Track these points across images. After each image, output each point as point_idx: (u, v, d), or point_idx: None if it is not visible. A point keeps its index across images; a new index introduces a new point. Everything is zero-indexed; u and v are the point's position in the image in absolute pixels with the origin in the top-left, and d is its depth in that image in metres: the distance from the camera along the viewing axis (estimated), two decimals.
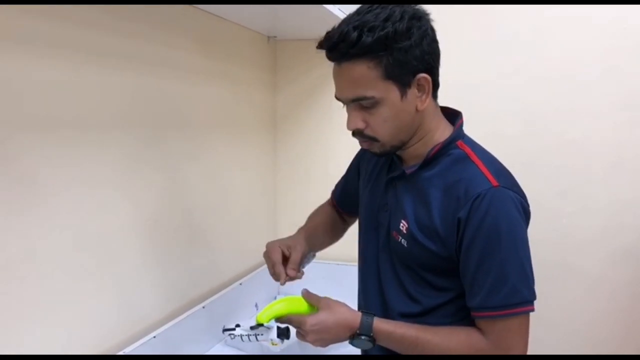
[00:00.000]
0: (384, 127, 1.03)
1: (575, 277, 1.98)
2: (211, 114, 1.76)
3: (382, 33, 0.95)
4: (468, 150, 1.06)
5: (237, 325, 1.14)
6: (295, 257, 1.21)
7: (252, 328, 1.10)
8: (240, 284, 1.87)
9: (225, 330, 1.14)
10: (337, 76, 1.03)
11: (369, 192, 1.23)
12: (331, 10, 1.62)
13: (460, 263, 1.03)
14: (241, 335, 1.12)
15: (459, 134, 1.09)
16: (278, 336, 1.08)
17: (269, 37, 2.13)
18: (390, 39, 0.96)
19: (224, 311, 1.73)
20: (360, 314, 1.07)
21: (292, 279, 1.19)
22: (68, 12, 1.14)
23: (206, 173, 1.74)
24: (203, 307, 1.62)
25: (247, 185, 2.06)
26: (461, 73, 1.98)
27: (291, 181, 2.30)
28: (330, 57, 1.02)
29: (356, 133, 1.06)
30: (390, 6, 0.99)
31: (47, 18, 1.08)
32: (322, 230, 1.40)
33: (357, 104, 1.02)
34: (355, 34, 0.96)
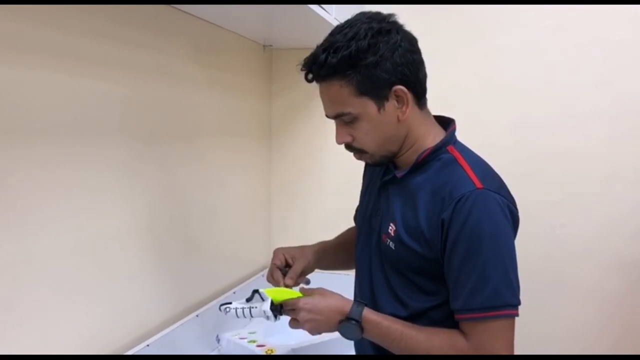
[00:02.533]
0: (367, 139, 1.08)
1: (569, 287, 1.98)
2: (207, 121, 1.76)
3: (345, 52, 1.00)
4: (457, 154, 1.08)
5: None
6: (296, 267, 1.23)
7: (247, 300, 1.11)
8: (234, 292, 1.86)
9: (221, 305, 1.15)
10: (320, 95, 1.09)
11: (366, 198, 1.26)
12: (326, 18, 1.63)
13: (444, 265, 1.04)
14: (236, 309, 1.12)
15: (450, 140, 1.11)
16: (271, 309, 1.09)
17: (264, 45, 2.14)
18: (354, 57, 1.00)
19: (217, 320, 1.72)
20: (352, 300, 1.09)
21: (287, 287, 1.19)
22: (68, 21, 1.14)
23: (201, 181, 1.74)
24: (197, 316, 1.61)
25: (241, 193, 2.05)
26: (455, 83, 1.99)
27: (286, 189, 2.30)
28: (307, 79, 1.08)
29: (345, 147, 1.12)
30: (359, 24, 1.02)
31: (46, 25, 1.08)
32: (342, 247, 1.39)
33: (340, 120, 1.08)
34: (323, 56, 1.02)
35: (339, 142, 1.11)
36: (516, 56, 1.96)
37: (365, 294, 1.20)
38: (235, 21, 1.75)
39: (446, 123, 1.15)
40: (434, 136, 1.11)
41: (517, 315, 1.00)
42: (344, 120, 1.07)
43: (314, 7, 1.53)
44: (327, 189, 2.22)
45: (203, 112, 1.73)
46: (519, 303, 1.01)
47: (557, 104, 1.94)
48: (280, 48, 2.20)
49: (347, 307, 1.07)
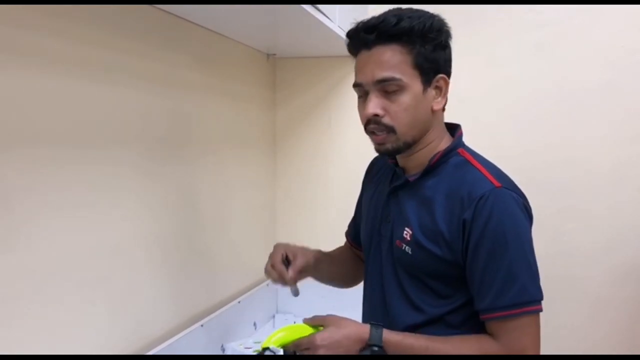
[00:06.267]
0: (403, 115, 1.04)
1: (576, 293, 1.96)
2: (211, 131, 1.76)
3: (420, 21, 1.03)
4: (468, 156, 1.10)
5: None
6: (298, 263, 1.22)
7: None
8: (239, 302, 1.85)
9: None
10: (364, 62, 1.06)
11: (372, 208, 1.24)
12: (330, 26, 1.63)
13: (467, 266, 1.03)
14: None
15: (459, 143, 1.13)
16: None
17: (268, 54, 2.14)
18: (427, 29, 1.03)
19: (222, 330, 1.71)
20: (368, 325, 1.06)
21: (284, 282, 1.20)
22: (76, 31, 1.15)
23: (205, 190, 1.73)
24: (201, 326, 1.60)
25: (246, 202, 2.05)
26: (459, 89, 1.97)
27: (291, 198, 2.29)
28: (363, 40, 1.05)
29: (372, 122, 1.06)
30: (421, 11, 1.07)
31: (57, 36, 1.09)
32: (335, 260, 1.38)
33: (380, 90, 1.04)
34: (394, 19, 1.02)
35: (369, 112, 1.04)
36: (521, 62, 1.96)
37: (377, 303, 1.18)
38: (239, 30, 1.75)
39: (452, 128, 1.17)
40: (445, 140, 1.13)
41: (542, 310, 1.01)
42: (385, 90, 1.04)
43: (318, 16, 1.53)
44: (332, 198, 2.22)
45: (207, 121, 1.73)
46: (542, 297, 1.02)
47: (562, 110, 1.94)
48: (284, 57, 2.21)
49: (366, 334, 1.04)
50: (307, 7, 1.44)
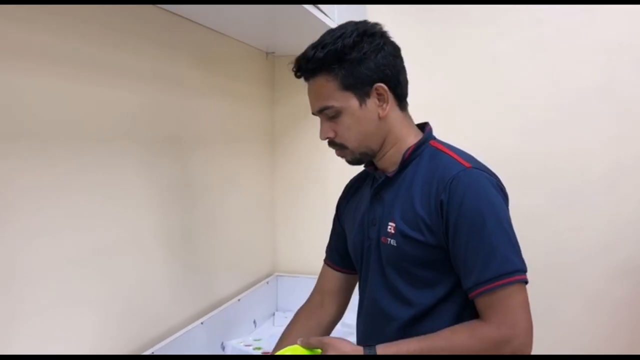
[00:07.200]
0: (349, 134, 1.12)
1: (575, 292, 1.97)
2: (210, 129, 1.76)
3: (332, 48, 1.08)
4: (440, 146, 1.15)
5: None
6: None
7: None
8: (239, 300, 1.86)
9: None
10: (308, 93, 1.16)
11: (358, 217, 1.24)
12: (329, 25, 1.63)
13: (449, 247, 1.06)
14: None
15: (429, 136, 1.17)
16: None
17: (267, 52, 2.15)
18: (340, 52, 1.08)
19: (222, 327, 1.72)
20: (361, 347, 1.05)
21: None
22: (76, 30, 1.15)
23: (205, 188, 1.74)
24: (202, 323, 1.61)
25: (245, 200, 2.05)
26: (458, 89, 1.99)
27: (289, 196, 2.30)
28: (296, 76, 1.15)
29: (329, 143, 1.16)
30: (347, 26, 1.11)
31: (55, 35, 1.10)
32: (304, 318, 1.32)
33: (325, 115, 1.13)
34: (311, 52, 1.10)
35: (322, 138, 1.15)
36: (519, 60, 1.97)
37: (373, 305, 1.18)
38: (238, 29, 1.75)
39: (422, 127, 1.21)
40: (414, 136, 1.16)
41: (527, 281, 1.03)
42: (327, 115, 1.12)
43: (317, 14, 1.53)
44: (331, 195, 2.19)
45: (207, 119, 1.74)
46: (526, 268, 1.04)
47: (559, 109, 1.94)
48: (283, 55, 2.20)
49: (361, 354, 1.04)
50: (306, 6, 1.45)
